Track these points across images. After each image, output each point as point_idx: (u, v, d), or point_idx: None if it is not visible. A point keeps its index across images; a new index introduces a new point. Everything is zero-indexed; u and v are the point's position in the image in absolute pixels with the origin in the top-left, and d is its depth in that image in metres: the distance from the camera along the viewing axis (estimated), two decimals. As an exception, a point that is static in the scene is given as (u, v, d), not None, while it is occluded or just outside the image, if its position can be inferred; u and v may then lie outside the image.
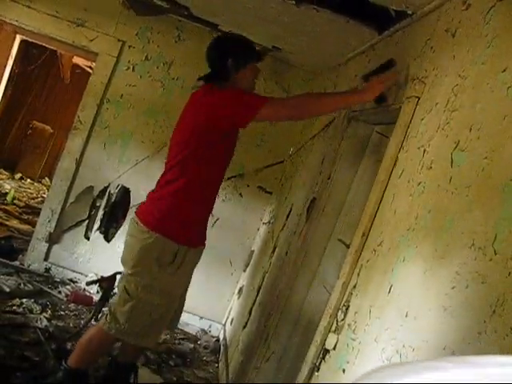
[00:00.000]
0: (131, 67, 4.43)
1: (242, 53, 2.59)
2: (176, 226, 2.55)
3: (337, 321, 1.94)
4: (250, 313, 3.53)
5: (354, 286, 1.90)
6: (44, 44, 4.95)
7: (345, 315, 1.90)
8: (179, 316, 2.91)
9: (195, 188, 2.53)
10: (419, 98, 1.86)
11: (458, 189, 1.40)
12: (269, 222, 4.24)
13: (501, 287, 1.10)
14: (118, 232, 4.49)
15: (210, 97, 2.49)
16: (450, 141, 1.52)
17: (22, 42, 5.48)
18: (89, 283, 3.97)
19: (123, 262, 2.64)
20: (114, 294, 4.32)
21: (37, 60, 8.29)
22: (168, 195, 2.54)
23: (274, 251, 3.54)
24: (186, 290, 2.83)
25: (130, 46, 4.40)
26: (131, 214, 4.43)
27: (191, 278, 2.80)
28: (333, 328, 1.95)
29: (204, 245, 2.80)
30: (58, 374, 2.72)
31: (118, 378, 2.95)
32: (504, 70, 1.33)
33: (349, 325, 1.84)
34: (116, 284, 3.71)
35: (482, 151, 1.33)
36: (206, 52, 2.67)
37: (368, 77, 2.36)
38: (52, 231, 4.45)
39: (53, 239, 4.48)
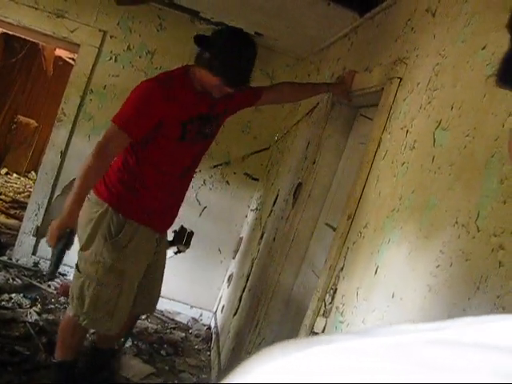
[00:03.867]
0: (114, 57, 4.38)
1: (220, 61, 2.32)
2: (126, 199, 2.49)
3: (325, 304, 1.94)
4: (240, 300, 3.54)
5: (341, 269, 1.90)
6: (24, 36, 4.88)
7: (332, 298, 1.91)
8: (154, 300, 2.87)
9: (146, 171, 2.50)
10: (401, 79, 1.85)
11: (440, 168, 1.40)
12: (256, 209, 4.24)
13: (484, 264, 1.11)
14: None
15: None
16: (431, 120, 1.52)
17: (2, 35, 5.40)
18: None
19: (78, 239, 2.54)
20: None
21: (18, 53, 8.18)
22: (120, 170, 2.51)
23: (261, 237, 3.54)
24: (155, 273, 2.77)
25: (111, 36, 4.35)
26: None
27: (148, 261, 2.67)
28: (321, 311, 1.95)
29: (165, 233, 2.77)
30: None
31: (99, 364, 2.94)
32: (483, 48, 1.33)
33: (337, 307, 1.85)
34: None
35: (464, 129, 1.33)
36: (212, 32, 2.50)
37: None
38: (39, 225, 4.41)
39: (40, 233, 4.44)
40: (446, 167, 1.38)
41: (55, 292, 4.10)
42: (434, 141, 1.48)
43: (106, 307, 2.53)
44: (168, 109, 2.40)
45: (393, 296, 1.45)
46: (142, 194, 2.51)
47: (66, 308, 3.88)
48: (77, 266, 2.56)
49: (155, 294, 2.84)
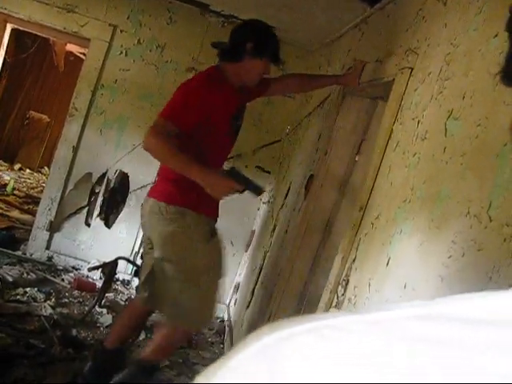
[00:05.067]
0: (124, 52, 4.39)
1: (265, 44, 2.56)
2: (200, 200, 2.50)
3: (337, 296, 1.94)
4: (252, 293, 3.54)
5: (353, 260, 1.90)
6: (35, 32, 4.90)
7: (345, 290, 1.91)
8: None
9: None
10: (412, 69, 1.84)
11: (452, 158, 1.39)
12: (268, 202, 4.24)
13: (496, 254, 1.10)
14: (119, 218, 4.50)
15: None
16: (443, 110, 1.51)
17: (13, 30, 5.43)
18: (91, 269, 3.98)
19: (160, 253, 2.56)
20: (117, 279, 4.37)
21: (30, 49, 8.22)
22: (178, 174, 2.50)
23: (274, 230, 3.54)
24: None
25: (121, 31, 4.36)
26: (131, 200, 4.46)
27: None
28: (333, 303, 1.95)
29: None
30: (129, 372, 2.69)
31: (112, 366, 2.85)
32: (496, 36, 1.32)
33: (349, 299, 1.85)
34: (117, 269, 3.74)
35: (476, 119, 1.31)
36: (233, 27, 2.68)
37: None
38: (53, 220, 4.45)
39: (54, 227, 4.48)
40: (457, 157, 1.37)
41: (69, 286, 4.14)
42: (446, 131, 1.47)
43: (208, 305, 2.65)
44: (215, 102, 2.48)
45: (405, 287, 1.45)
46: (200, 189, 2.49)
47: (79, 302, 3.92)
48: (174, 277, 2.55)
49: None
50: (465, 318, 0.31)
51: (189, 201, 2.50)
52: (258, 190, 2.54)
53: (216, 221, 2.72)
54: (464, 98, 1.40)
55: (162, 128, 2.36)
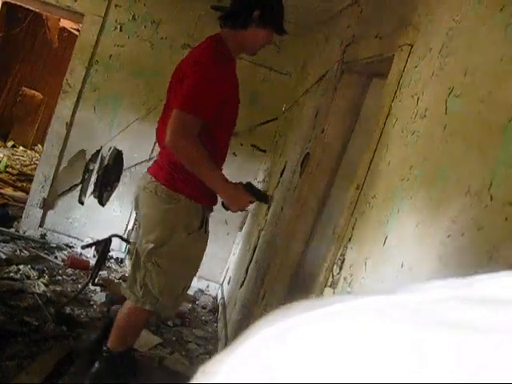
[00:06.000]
0: (118, 27, 4.32)
1: (271, 13, 2.48)
2: (197, 186, 2.42)
3: (332, 275, 1.92)
4: (246, 272, 3.54)
5: (349, 240, 1.88)
6: (26, 5, 4.80)
7: (340, 269, 1.89)
8: None
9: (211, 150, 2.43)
10: (412, 45, 1.80)
11: (452, 136, 1.37)
12: (263, 180, 4.21)
13: (497, 233, 1.08)
14: (112, 195, 4.46)
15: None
16: (444, 87, 1.48)
17: (4, 4, 5.33)
18: (84, 247, 3.96)
19: (145, 234, 2.50)
20: (111, 257, 4.35)
21: (22, 24, 8.09)
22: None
23: (268, 209, 3.52)
24: None
25: (116, 5, 4.29)
26: (125, 177, 4.42)
27: None
28: (329, 282, 1.94)
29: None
30: (98, 364, 2.60)
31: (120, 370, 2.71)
32: (502, 9, 1.28)
33: (345, 278, 1.83)
34: (111, 247, 3.71)
35: (478, 95, 1.28)
36: None
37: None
38: (46, 197, 4.42)
39: (47, 205, 4.45)
40: (458, 135, 1.34)
41: (62, 264, 4.12)
42: (446, 108, 1.44)
43: (182, 294, 2.60)
44: (228, 81, 2.41)
45: (402, 266, 1.43)
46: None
47: (73, 280, 3.91)
48: (155, 262, 2.47)
49: None
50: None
51: (186, 188, 2.42)
52: (267, 199, 2.76)
53: (212, 210, 2.65)
54: (466, 74, 1.37)
55: (192, 128, 2.25)
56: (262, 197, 2.63)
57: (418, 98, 1.64)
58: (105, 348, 2.61)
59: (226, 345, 3.38)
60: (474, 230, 1.16)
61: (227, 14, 2.52)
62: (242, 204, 2.48)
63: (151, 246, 2.44)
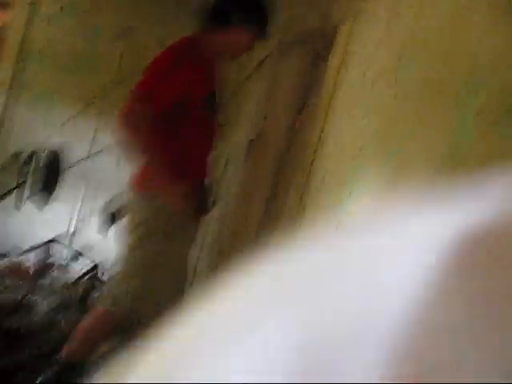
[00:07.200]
0: (47, 19, 4.08)
1: (254, 13, 2.25)
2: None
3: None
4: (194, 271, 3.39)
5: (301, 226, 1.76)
6: None
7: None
8: None
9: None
10: (357, 15, 1.68)
11: (404, 107, 1.25)
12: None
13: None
14: (52, 198, 4.24)
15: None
16: (392, 55, 1.36)
17: None
18: (22, 254, 3.77)
19: (127, 223, 2.36)
20: (51, 264, 4.13)
21: None
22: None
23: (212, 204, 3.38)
24: None
25: (41, -4, 4.04)
26: (67, 177, 4.20)
27: None
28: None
29: None
30: (51, 370, 2.35)
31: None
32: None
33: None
34: (51, 252, 3.52)
35: (430, 60, 1.17)
36: None
37: None
38: (-22, 203, 4.15)
39: (-21, 212, 4.19)
40: (410, 106, 1.22)
41: (0, 273, 3.88)
42: (396, 78, 1.32)
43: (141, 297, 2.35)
44: (191, 80, 2.20)
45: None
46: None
47: (13, 289, 3.68)
48: (130, 263, 2.31)
49: None
50: None
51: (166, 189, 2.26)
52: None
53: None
54: (416, 38, 1.25)
55: (141, 114, 2.11)
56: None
57: (363, 72, 1.53)
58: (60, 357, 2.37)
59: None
60: (434, 207, 1.04)
61: (208, 12, 2.29)
62: (183, 205, 2.29)
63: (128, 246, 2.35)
